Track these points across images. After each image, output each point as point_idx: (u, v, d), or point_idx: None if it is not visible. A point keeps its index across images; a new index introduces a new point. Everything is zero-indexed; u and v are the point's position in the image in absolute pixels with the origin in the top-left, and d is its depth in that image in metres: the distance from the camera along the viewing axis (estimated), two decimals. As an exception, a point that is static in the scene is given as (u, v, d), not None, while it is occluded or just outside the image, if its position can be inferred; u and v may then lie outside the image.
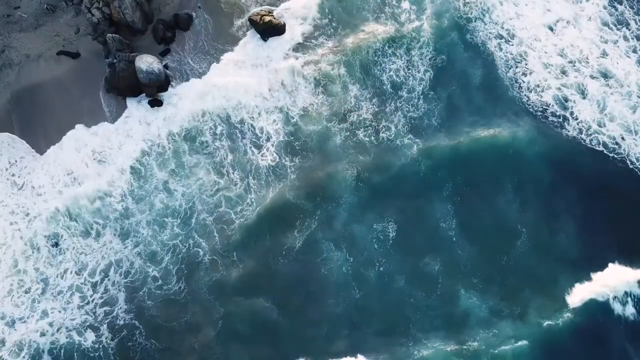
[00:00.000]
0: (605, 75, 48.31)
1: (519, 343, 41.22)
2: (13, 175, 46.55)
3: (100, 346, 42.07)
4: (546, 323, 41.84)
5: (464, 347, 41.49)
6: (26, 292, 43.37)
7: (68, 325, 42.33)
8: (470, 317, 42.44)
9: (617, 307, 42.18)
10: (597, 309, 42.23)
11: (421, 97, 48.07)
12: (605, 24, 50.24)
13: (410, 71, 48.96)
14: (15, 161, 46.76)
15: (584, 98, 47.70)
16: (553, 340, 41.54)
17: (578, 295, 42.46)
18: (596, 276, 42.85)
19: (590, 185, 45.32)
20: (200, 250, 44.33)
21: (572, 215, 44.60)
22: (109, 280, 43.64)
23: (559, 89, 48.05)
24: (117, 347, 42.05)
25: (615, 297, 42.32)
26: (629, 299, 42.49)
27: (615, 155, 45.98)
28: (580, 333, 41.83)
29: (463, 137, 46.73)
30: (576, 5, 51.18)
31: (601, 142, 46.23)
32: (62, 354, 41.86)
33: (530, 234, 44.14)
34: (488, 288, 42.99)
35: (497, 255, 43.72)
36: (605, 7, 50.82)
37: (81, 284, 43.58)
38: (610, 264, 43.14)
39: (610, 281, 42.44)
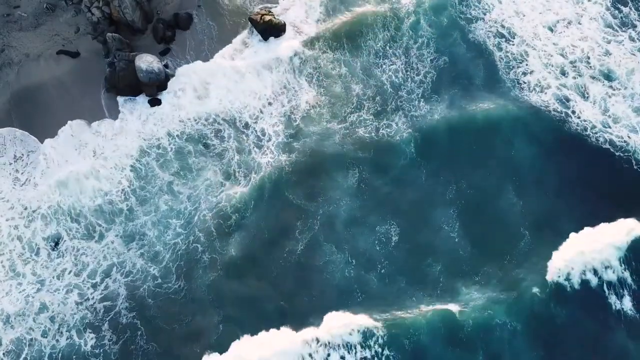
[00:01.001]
0: (608, 76, 47.72)
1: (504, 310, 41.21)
2: (17, 170, 46.15)
3: (101, 351, 41.25)
4: (534, 292, 41.41)
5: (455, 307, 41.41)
6: (22, 292, 42.59)
7: (69, 321, 41.54)
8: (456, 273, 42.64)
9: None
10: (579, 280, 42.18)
11: (420, 96, 47.55)
12: (609, 25, 49.62)
13: (409, 72, 48.40)
14: (22, 155, 46.38)
15: (586, 99, 47.03)
16: (537, 307, 41.24)
17: (560, 265, 42.20)
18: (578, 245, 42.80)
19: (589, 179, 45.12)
20: (199, 245, 43.69)
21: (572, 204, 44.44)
22: (110, 279, 42.93)
23: (560, 89, 47.39)
24: (119, 350, 41.40)
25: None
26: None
27: (622, 154, 45.23)
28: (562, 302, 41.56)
29: (462, 135, 46.37)
30: (578, 5, 50.60)
31: (607, 140, 45.38)
32: (60, 357, 41.08)
33: (529, 225, 43.76)
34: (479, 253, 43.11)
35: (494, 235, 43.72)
36: (608, 9, 50.31)
37: (81, 282, 42.83)
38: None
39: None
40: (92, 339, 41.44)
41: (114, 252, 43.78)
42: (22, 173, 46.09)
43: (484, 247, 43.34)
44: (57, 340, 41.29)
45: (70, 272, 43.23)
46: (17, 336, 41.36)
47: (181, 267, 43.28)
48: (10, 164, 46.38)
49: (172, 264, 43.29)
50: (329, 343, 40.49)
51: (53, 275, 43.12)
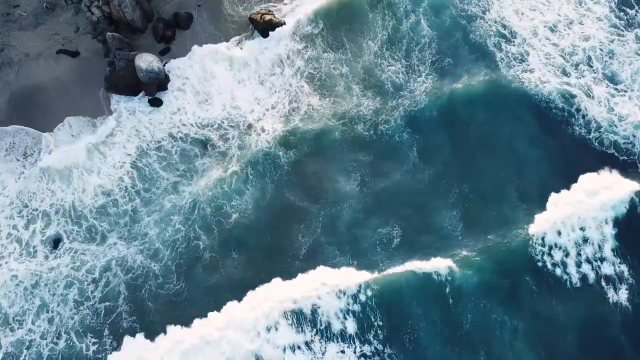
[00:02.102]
0: (612, 78, 47.37)
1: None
2: (24, 166, 45.69)
3: (103, 356, 40.87)
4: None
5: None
6: (18, 286, 42.09)
7: (68, 323, 40.98)
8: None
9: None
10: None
11: (421, 94, 47.37)
12: (613, 25, 49.22)
13: (409, 73, 48.26)
14: (33, 153, 45.99)
15: (590, 97, 46.58)
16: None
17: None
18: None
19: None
20: (200, 243, 43.32)
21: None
22: (110, 273, 42.55)
23: (562, 85, 47.05)
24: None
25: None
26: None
27: (627, 158, 45.01)
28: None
29: (460, 136, 46.43)
30: (581, 6, 50.25)
31: (613, 141, 45.30)
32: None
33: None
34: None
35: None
36: (612, 10, 49.86)
37: (82, 278, 42.37)
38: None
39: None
40: (93, 343, 40.95)
41: (116, 251, 43.37)
42: (28, 169, 45.60)
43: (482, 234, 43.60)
44: (56, 343, 40.78)
45: (68, 266, 42.76)
46: (16, 338, 40.79)
47: (181, 266, 42.86)
48: (19, 160, 45.99)
49: (171, 262, 42.85)
50: (325, 324, 40.53)
51: (51, 271, 42.56)
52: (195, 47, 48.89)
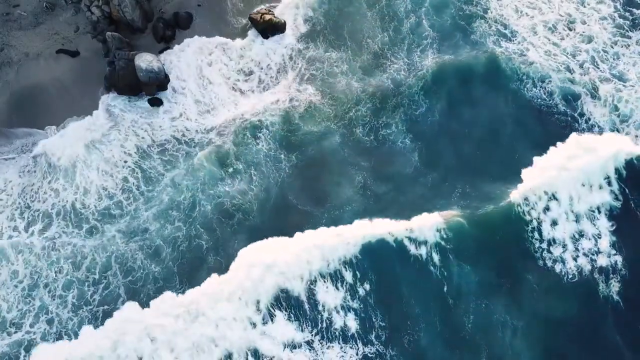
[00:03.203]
0: (620, 78, 46.98)
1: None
2: (33, 163, 45.39)
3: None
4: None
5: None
6: (18, 287, 41.51)
7: (67, 326, 40.33)
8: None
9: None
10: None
11: (421, 93, 47.21)
12: (618, 25, 48.91)
13: (410, 71, 48.10)
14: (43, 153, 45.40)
15: (594, 98, 46.27)
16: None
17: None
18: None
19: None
20: (203, 242, 42.81)
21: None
22: (110, 271, 42.00)
23: (565, 85, 46.82)
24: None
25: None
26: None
27: None
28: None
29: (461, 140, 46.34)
30: (583, 6, 50.00)
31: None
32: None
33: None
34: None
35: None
36: (616, 9, 49.55)
37: (83, 278, 41.85)
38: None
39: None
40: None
41: (116, 248, 42.82)
42: (36, 169, 45.28)
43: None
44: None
45: (69, 269, 42.14)
46: (14, 340, 40.11)
47: (183, 266, 42.26)
48: (30, 158, 45.64)
49: (172, 262, 42.30)
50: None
51: (54, 273, 41.92)
52: (189, 39, 48.65)
